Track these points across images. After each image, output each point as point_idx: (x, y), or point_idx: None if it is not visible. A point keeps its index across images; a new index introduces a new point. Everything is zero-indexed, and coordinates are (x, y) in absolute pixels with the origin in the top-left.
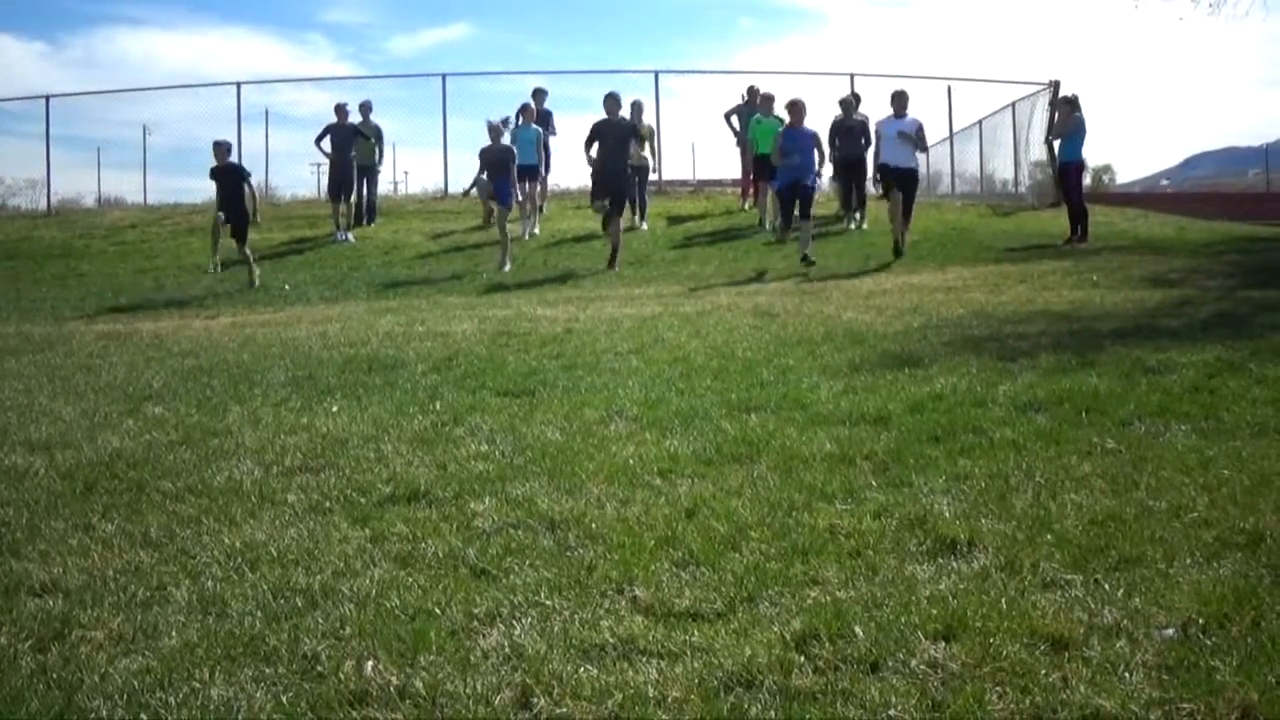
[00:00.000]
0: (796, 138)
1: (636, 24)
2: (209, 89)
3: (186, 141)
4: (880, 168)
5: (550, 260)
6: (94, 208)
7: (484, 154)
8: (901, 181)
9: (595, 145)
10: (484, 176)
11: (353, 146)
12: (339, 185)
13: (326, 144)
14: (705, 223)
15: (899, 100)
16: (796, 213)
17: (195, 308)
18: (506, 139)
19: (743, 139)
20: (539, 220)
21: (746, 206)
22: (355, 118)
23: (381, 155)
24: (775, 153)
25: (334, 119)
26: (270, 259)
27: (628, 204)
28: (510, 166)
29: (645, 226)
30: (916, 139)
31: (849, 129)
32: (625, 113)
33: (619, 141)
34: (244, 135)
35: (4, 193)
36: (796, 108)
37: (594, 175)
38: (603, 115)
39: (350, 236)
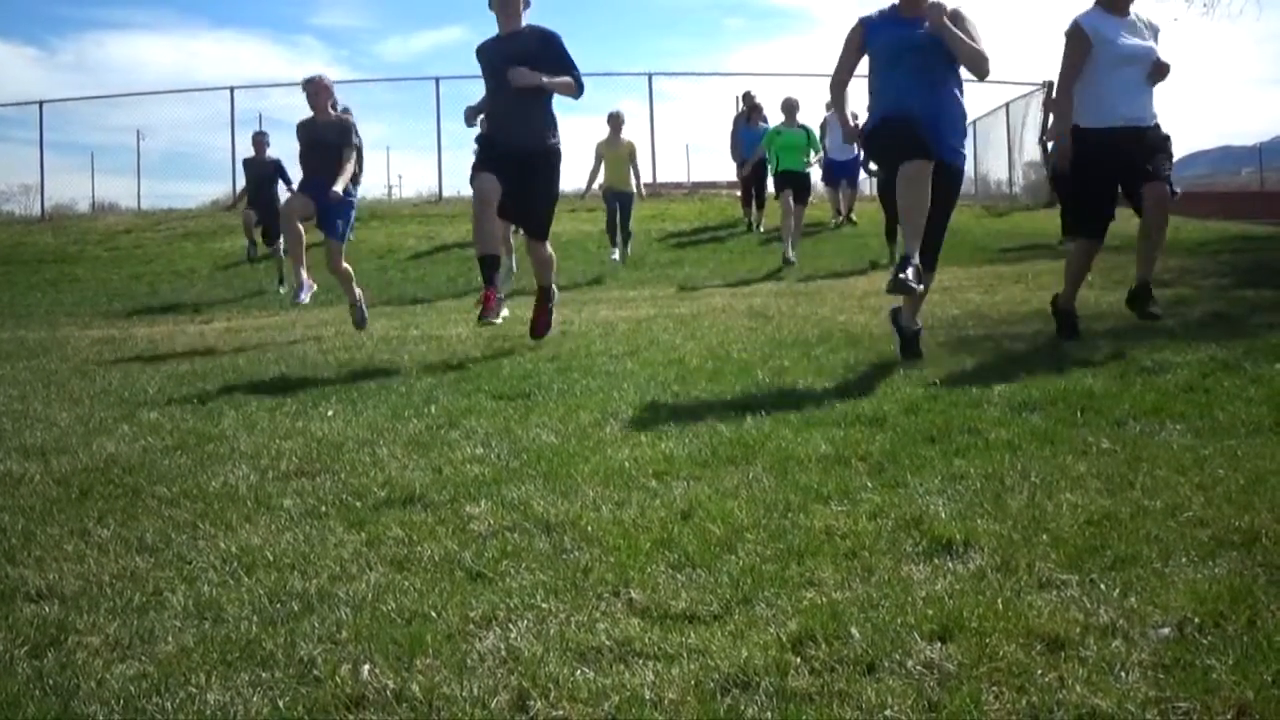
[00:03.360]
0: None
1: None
2: (202, 93)
3: (180, 146)
4: (1095, 137)
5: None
6: (88, 213)
7: (299, 131)
8: (1151, 151)
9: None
10: (293, 195)
11: (276, 184)
12: (273, 230)
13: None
14: (700, 225)
15: None
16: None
17: (190, 312)
18: (341, 106)
19: (739, 157)
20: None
21: (753, 225)
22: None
23: (361, 161)
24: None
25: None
26: (264, 262)
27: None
28: (344, 156)
29: (617, 257)
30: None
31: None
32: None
33: (511, 62)
34: (237, 139)
35: None
36: None
37: (479, 139)
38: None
39: (306, 298)
